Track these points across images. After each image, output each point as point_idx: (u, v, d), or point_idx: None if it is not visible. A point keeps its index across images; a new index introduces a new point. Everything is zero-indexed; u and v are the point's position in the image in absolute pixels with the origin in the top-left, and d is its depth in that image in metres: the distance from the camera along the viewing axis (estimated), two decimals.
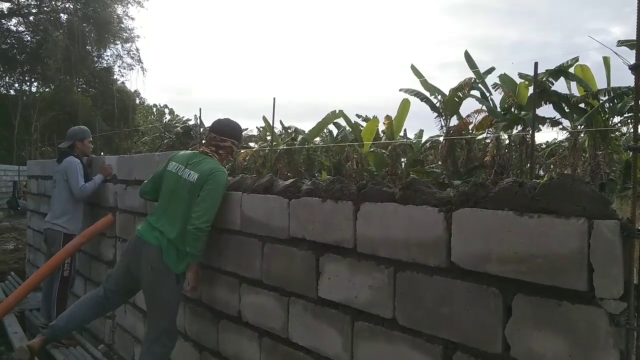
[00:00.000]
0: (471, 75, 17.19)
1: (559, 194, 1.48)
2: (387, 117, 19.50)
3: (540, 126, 15.33)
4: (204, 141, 3.21)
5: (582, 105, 15.18)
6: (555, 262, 1.47)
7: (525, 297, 1.54)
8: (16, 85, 31.11)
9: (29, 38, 29.08)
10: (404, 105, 19.16)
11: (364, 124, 21.39)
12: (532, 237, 1.52)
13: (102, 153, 23.64)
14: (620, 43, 13.60)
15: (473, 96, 17.63)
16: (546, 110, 15.45)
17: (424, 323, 1.83)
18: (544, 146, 25.57)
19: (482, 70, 17.27)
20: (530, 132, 13.71)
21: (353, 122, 21.48)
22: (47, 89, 31.57)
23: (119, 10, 30.25)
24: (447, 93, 17.68)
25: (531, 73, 14.61)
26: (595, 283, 1.39)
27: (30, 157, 21.77)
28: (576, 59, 15.17)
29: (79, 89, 31.77)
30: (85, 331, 4.68)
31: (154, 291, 2.93)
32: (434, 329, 1.79)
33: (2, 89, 30.63)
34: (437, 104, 18.28)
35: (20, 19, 28.71)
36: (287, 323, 2.46)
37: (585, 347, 1.40)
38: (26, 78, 30.96)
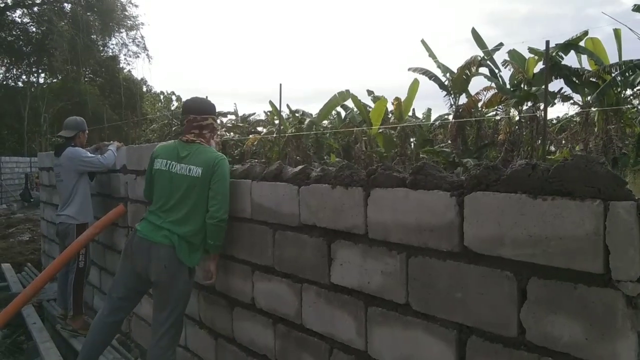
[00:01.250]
0: (481, 52, 16.95)
1: (573, 176, 1.45)
2: (396, 99, 19.35)
3: (552, 101, 15.12)
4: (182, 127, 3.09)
5: (593, 79, 14.92)
6: (570, 244, 1.45)
7: (539, 281, 1.53)
8: (24, 77, 31.24)
9: (34, 29, 29.09)
10: (413, 86, 19.00)
11: (372, 104, 21.23)
12: (546, 219, 1.50)
13: (111, 142, 23.71)
14: (636, 8, 13.29)
15: (482, 74, 17.41)
16: (557, 85, 15.21)
17: (438, 308, 1.82)
18: (554, 122, 25.26)
19: (490, 46, 17.02)
20: (542, 108, 13.53)
21: (361, 102, 21.32)
22: (54, 80, 31.67)
23: None
24: (455, 71, 17.47)
25: (541, 48, 14.40)
26: (611, 265, 1.37)
27: (40, 149, 21.93)
28: (586, 32, 14.87)
29: (86, 79, 31.85)
30: (92, 310, 4.74)
31: (169, 288, 2.87)
32: (448, 314, 1.79)
33: (10, 81, 30.76)
34: (446, 82, 18.09)
35: (25, 10, 28.68)
36: (300, 309, 2.47)
37: (602, 330, 1.39)
38: (33, 69, 31.05)
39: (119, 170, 4.60)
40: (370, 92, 22.86)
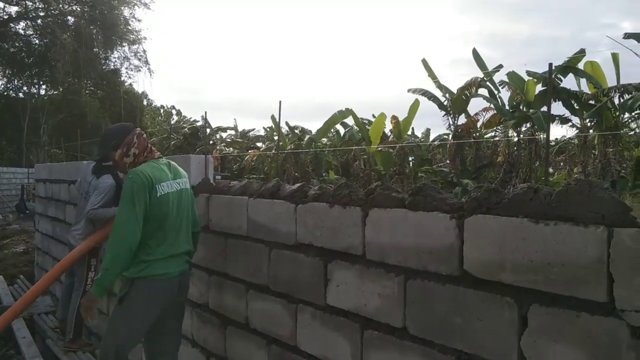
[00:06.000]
0: (481, 73, 17.06)
1: (577, 201, 1.42)
2: (394, 117, 19.42)
3: (550, 123, 15.17)
4: (151, 147, 2.83)
5: (592, 102, 15.00)
6: (573, 271, 1.41)
7: (541, 308, 1.48)
8: (25, 88, 31.33)
9: (37, 41, 29.26)
10: (414, 106, 19.09)
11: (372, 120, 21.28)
12: (548, 245, 1.47)
13: None
14: (628, 36, 13.42)
15: (481, 95, 17.49)
16: (555, 108, 15.27)
17: (436, 333, 1.77)
18: (553, 143, 25.35)
19: (491, 67, 17.12)
20: (540, 131, 13.59)
21: (361, 120, 21.36)
22: (55, 92, 31.77)
23: (126, 12, 30.37)
24: (455, 91, 17.57)
25: (540, 70, 14.50)
26: (615, 294, 1.33)
27: (38, 160, 21.90)
28: (582, 51, 14.99)
29: (86, 92, 31.95)
30: (94, 335, 4.66)
31: (185, 300, 2.93)
32: (447, 339, 1.74)
33: (11, 92, 30.85)
34: (445, 103, 18.17)
35: (28, 23, 28.89)
36: (295, 330, 2.42)
37: None
38: (35, 81, 31.16)
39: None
40: (374, 117, 23.12)
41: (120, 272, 2.54)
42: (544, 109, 10.79)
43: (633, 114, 15.10)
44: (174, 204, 2.67)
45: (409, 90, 18.54)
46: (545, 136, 10.56)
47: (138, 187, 2.52)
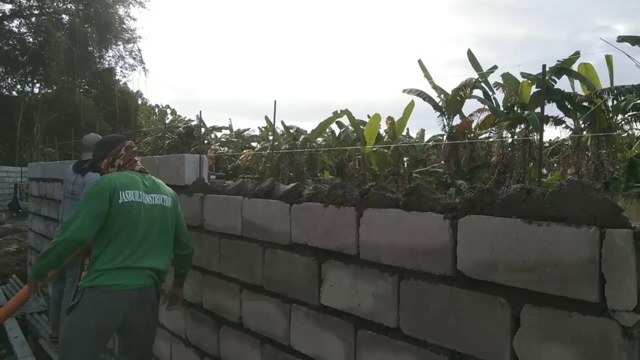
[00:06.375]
0: (476, 74, 17.12)
1: (569, 202, 1.43)
2: (389, 118, 19.46)
3: (543, 125, 15.24)
4: (134, 158, 2.75)
5: (585, 103, 15.08)
6: (565, 271, 1.42)
7: (534, 308, 1.49)
8: (18, 86, 31.17)
9: (31, 39, 29.13)
10: (409, 107, 19.15)
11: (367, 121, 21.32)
12: (541, 245, 1.48)
13: None
14: (621, 39, 13.51)
15: (475, 96, 17.56)
16: (549, 109, 15.35)
17: (429, 333, 1.78)
18: (546, 145, 25.46)
19: (485, 69, 17.19)
20: (535, 132, 13.64)
21: (357, 120, 21.39)
22: (49, 90, 31.60)
23: (121, 11, 30.30)
24: (450, 92, 17.63)
25: (535, 72, 14.57)
26: (607, 294, 1.34)
27: (31, 159, 21.80)
28: (577, 53, 15.08)
29: (81, 90, 31.79)
30: None
31: (153, 325, 2.73)
32: (440, 339, 1.75)
33: (4, 90, 30.67)
34: (440, 103, 18.23)
35: (22, 21, 28.76)
36: (289, 330, 2.42)
37: None
38: (28, 79, 31.00)
39: None
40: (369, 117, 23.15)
41: (56, 263, 2.50)
42: (539, 110, 10.83)
43: (626, 115, 15.20)
44: (140, 215, 2.53)
45: (404, 91, 18.59)
46: (539, 137, 10.60)
47: (97, 190, 2.49)
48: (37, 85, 32.04)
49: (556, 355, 1.43)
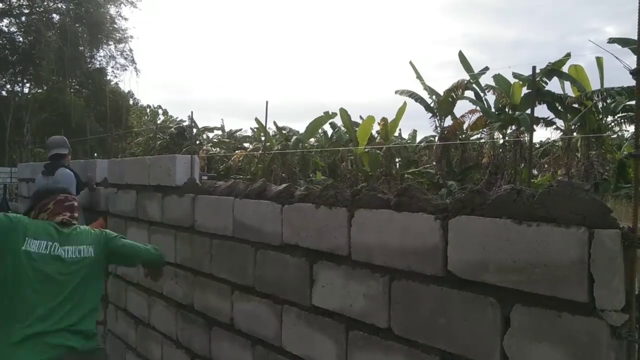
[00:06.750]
0: (467, 75, 17.20)
1: (559, 202, 1.44)
2: (383, 119, 19.52)
3: (534, 126, 15.34)
4: (49, 208, 2.39)
5: (576, 105, 15.21)
6: (554, 272, 1.43)
7: (523, 308, 1.50)
8: (8, 86, 30.86)
9: (21, 39, 28.84)
10: (401, 108, 19.22)
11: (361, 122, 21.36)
12: (530, 246, 1.48)
13: (95, 154, 23.49)
14: (612, 40, 13.64)
15: (467, 97, 17.64)
16: (540, 110, 15.47)
17: (420, 333, 1.78)
18: (537, 146, 25.63)
19: (477, 70, 17.28)
20: (526, 133, 13.73)
21: (351, 120, 21.43)
22: (39, 90, 31.34)
23: (112, 10, 30.10)
24: (442, 94, 17.70)
25: (525, 73, 14.67)
26: (595, 294, 1.35)
27: (21, 159, 21.61)
28: (568, 54, 15.21)
29: (71, 90, 31.55)
30: None
31: None
32: (431, 340, 1.75)
33: None
34: (432, 105, 18.30)
35: (12, 20, 28.48)
36: (280, 331, 2.41)
37: None
38: (18, 79, 30.70)
39: (99, 184, 4.52)
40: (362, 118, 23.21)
41: None
42: (530, 111, 10.90)
43: (616, 117, 15.34)
44: (50, 268, 2.17)
45: (396, 92, 18.66)
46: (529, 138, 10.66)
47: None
48: (27, 85, 31.77)
49: (546, 355, 1.44)
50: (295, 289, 2.32)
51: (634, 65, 1.40)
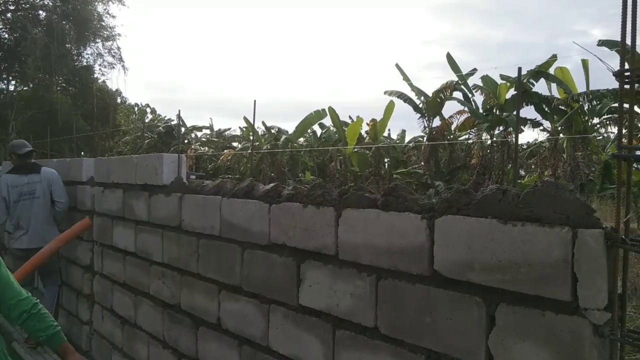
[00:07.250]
0: (455, 76, 17.32)
1: (543, 202, 1.46)
2: (372, 120, 19.59)
3: (521, 127, 15.48)
4: None
5: (562, 107, 15.38)
6: (539, 271, 1.44)
7: (508, 307, 1.51)
8: None
9: (6, 35, 28.45)
10: (389, 108, 19.29)
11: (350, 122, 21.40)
12: (515, 245, 1.50)
13: (82, 153, 23.26)
14: (601, 43, 13.80)
15: (455, 98, 17.76)
16: (527, 111, 15.63)
17: (407, 332, 1.79)
18: (524, 147, 25.85)
19: (465, 71, 17.40)
20: (513, 134, 13.84)
21: (339, 119, 21.46)
22: (25, 88, 30.93)
23: (100, 8, 29.75)
24: (430, 94, 17.80)
25: (513, 75, 14.80)
26: (579, 293, 1.37)
27: (6, 158, 21.30)
28: (554, 56, 15.37)
29: (58, 88, 31.17)
30: None
31: None
32: (417, 339, 1.76)
33: None
34: (420, 105, 18.39)
35: None
36: (267, 331, 2.41)
37: (569, 358, 1.38)
38: (4, 76, 30.27)
39: (85, 183, 4.47)
40: (350, 118, 23.24)
41: None
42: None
43: (602, 119, 15.53)
44: None
45: (385, 93, 18.74)
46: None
47: None
48: (13, 82, 31.32)
49: (530, 353, 1.45)
50: (282, 289, 2.32)
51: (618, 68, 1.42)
